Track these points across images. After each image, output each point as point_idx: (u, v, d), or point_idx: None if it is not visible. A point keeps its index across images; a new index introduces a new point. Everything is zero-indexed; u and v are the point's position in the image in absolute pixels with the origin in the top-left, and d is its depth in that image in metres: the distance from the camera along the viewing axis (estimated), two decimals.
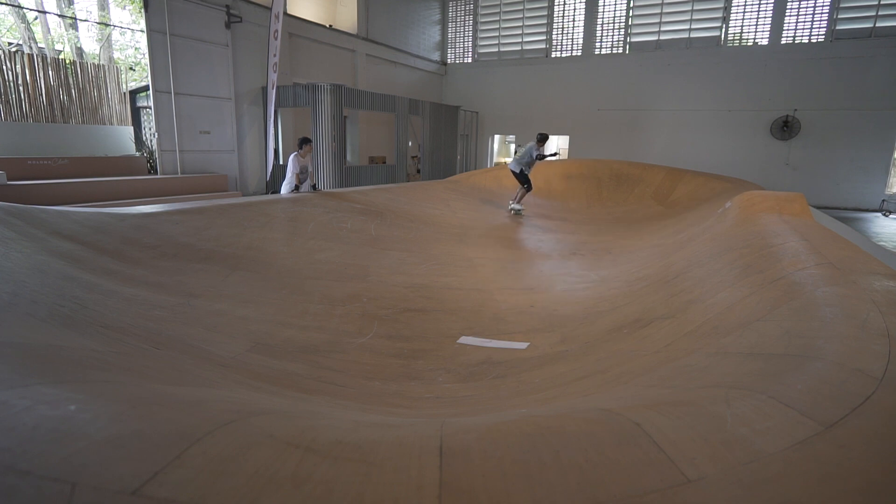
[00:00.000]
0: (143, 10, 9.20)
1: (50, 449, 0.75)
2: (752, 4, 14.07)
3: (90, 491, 0.68)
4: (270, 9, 9.10)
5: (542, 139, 7.91)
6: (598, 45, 16.13)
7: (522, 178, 7.98)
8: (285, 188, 6.26)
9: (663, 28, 15.20)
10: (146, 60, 9.63)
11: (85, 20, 15.09)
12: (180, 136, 9.94)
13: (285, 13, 9.42)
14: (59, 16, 14.31)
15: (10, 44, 13.80)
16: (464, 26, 18.20)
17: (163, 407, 1.06)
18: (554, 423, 1.03)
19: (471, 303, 3.69)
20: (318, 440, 0.88)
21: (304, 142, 6.25)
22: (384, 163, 14.15)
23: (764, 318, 1.77)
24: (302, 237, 4.65)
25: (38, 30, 14.55)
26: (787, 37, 13.83)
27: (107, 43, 14.78)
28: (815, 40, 13.52)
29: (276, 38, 9.10)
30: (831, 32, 13.25)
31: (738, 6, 14.23)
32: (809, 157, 13.85)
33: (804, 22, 13.59)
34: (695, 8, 14.73)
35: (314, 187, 6.37)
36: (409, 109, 13.47)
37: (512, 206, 7.98)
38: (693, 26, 14.81)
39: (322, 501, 0.72)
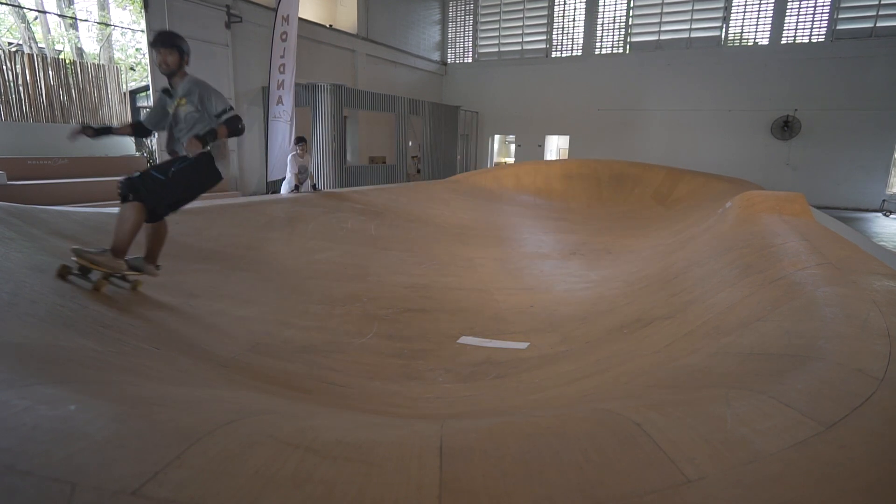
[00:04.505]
0: (143, 10, 9.20)
1: (50, 449, 0.74)
2: (753, 4, 14.07)
3: (90, 491, 0.68)
4: (276, 10, 9.08)
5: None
6: (598, 45, 16.12)
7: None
8: (285, 188, 6.27)
9: (663, 28, 15.19)
10: (146, 60, 9.62)
11: (85, 20, 15.09)
12: None
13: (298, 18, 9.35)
14: (60, 16, 14.31)
15: (10, 44, 13.79)
16: (464, 26, 18.19)
17: (163, 407, 1.06)
18: (554, 423, 1.03)
19: (471, 303, 3.69)
20: (318, 440, 0.88)
21: (299, 141, 6.26)
22: (384, 163, 14.14)
23: (764, 318, 1.77)
24: (302, 237, 4.65)
25: (38, 30, 14.54)
26: (787, 37, 13.83)
27: (107, 43, 14.78)
28: (815, 40, 13.52)
29: (283, 40, 9.08)
30: (831, 32, 13.25)
31: (738, 6, 14.22)
32: (810, 157, 13.85)
33: (804, 22, 13.59)
34: (695, 8, 14.72)
35: (314, 187, 6.37)
36: (409, 109, 13.45)
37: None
38: (693, 26, 14.80)
39: (322, 501, 0.72)
